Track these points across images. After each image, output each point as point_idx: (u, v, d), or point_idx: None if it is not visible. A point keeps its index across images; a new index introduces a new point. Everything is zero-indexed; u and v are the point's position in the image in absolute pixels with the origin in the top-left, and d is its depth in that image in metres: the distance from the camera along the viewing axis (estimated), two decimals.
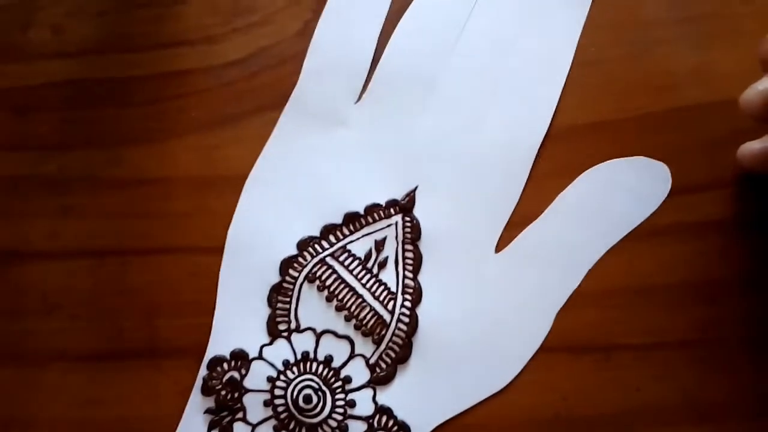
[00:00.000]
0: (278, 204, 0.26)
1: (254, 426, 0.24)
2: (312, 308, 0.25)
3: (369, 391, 0.24)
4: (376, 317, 0.25)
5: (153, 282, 0.26)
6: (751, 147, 0.24)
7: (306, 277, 0.25)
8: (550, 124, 0.26)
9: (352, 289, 0.25)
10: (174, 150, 0.27)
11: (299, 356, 0.25)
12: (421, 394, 0.24)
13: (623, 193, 0.25)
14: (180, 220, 0.26)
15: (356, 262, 0.26)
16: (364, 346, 0.25)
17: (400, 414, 0.24)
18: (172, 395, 0.25)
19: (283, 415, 0.24)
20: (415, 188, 0.26)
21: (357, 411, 0.24)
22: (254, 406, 0.24)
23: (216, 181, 0.27)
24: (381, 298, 0.25)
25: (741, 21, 0.27)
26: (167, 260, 0.26)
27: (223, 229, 0.26)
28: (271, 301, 0.25)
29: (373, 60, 0.27)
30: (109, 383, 0.25)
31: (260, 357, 0.25)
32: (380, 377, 0.24)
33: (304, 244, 0.26)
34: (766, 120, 0.21)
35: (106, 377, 0.25)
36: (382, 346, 0.25)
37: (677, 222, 0.25)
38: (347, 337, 0.25)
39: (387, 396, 0.24)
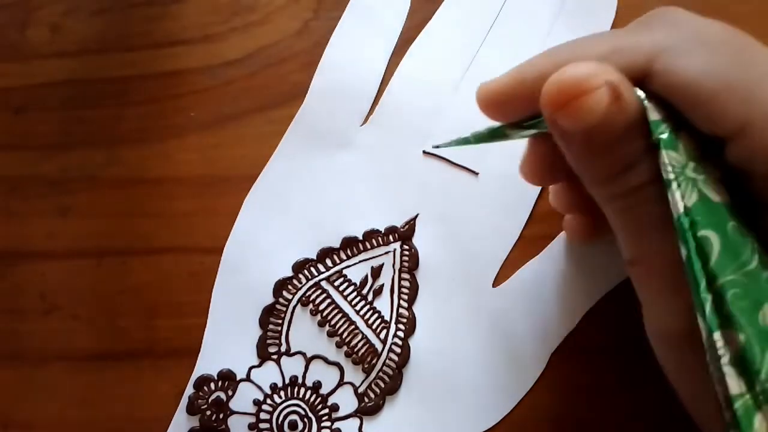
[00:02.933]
0: (276, 223, 0.26)
1: None
2: (303, 332, 0.25)
3: (356, 421, 0.24)
4: (367, 345, 0.25)
5: (152, 282, 0.26)
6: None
7: (299, 300, 0.25)
8: None
9: (345, 315, 0.25)
10: (173, 150, 0.27)
11: (287, 380, 0.24)
12: (408, 427, 0.24)
13: None
14: (180, 220, 0.26)
15: (351, 288, 0.25)
16: (353, 374, 0.25)
17: None
18: (170, 396, 0.25)
19: None
20: (416, 216, 0.26)
21: None
22: (239, 429, 0.24)
23: (215, 181, 0.27)
24: (374, 326, 0.25)
25: (740, 21, 0.27)
26: (167, 260, 0.26)
27: (223, 229, 0.26)
28: (263, 322, 0.25)
29: (381, 84, 0.27)
30: (107, 383, 0.25)
31: (248, 379, 0.25)
32: (368, 407, 0.24)
33: (299, 267, 0.26)
34: (498, 119, 0.20)
35: (104, 377, 0.25)
36: (372, 376, 0.24)
37: None
38: (337, 364, 0.25)
39: (373, 427, 0.24)
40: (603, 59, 0.16)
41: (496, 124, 0.20)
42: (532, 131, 0.19)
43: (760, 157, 0.15)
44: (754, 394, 0.14)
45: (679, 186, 0.15)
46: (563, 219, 0.25)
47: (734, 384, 0.14)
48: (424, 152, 0.26)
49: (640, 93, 0.16)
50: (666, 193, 0.15)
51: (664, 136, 0.15)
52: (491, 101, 0.19)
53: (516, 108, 0.18)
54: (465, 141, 0.22)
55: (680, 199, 0.15)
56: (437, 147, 0.24)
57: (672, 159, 0.15)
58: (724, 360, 0.14)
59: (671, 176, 0.15)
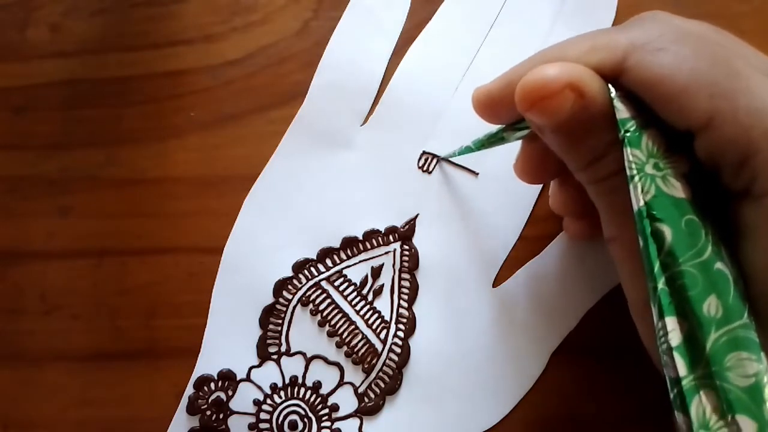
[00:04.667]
0: (276, 223, 0.26)
1: None
2: (303, 332, 0.25)
3: (356, 421, 0.24)
4: (367, 345, 0.25)
5: (152, 282, 0.26)
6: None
7: (300, 300, 0.25)
8: None
9: (345, 315, 0.25)
10: (173, 150, 0.27)
11: (287, 380, 0.24)
12: (408, 427, 0.24)
13: None
14: (179, 220, 0.26)
15: (351, 288, 0.25)
16: (353, 374, 0.25)
17: None
18: (170, 396, 0.25)
19: None
20: (416, 216, 0.26)
21: None
22: (239, 429, 0.24)
23: (215, 181, 0.27)
24: (374, 327, 0.25)
25: (740, 20, 0.27)
26: (166, 260, 0.26)
27: (223, 229, 0.26)
28: (263, 322, 0.25)
29: (381, 83, 0.27)
30: (107, 383, 0.25)
31: (248, 379, 0.25)
32: (368, 407, 0.24)
33: (299, 267, 0.26)
34: (493, 121, 0.21)
35: (104, 377, 0.25)
36: (372, 376, 0.24)
37: None
38: (337, 364, 0.25)
39: (373, 427, 0.24)
40: (579, 58, 0.17)
41: (493, 129, 0.21)
42: (525, 131, 0.20)
43: (727, 148, 0.16)
44: (696, 378, 0.15)
45: (640, 181, 0.16)
46: (563, 220, 0.25)
47: (681, 367, 0.15)
48: (424, 152, 0.26)
49: (612, 90, 0.17)
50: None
51: (629, 134, 0.16)
52: (484, 104, 0.20)
53: (507, 110, 0.20)
54: (467, 149, 0.23)
55: (640, 193, 0.16)
56: (442, 159, 0.26)
57: (635, 156, 0.16)
58: (672, 344, 0.15)
59: (634, 172, 0.16)
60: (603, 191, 0.18)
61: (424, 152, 0.26)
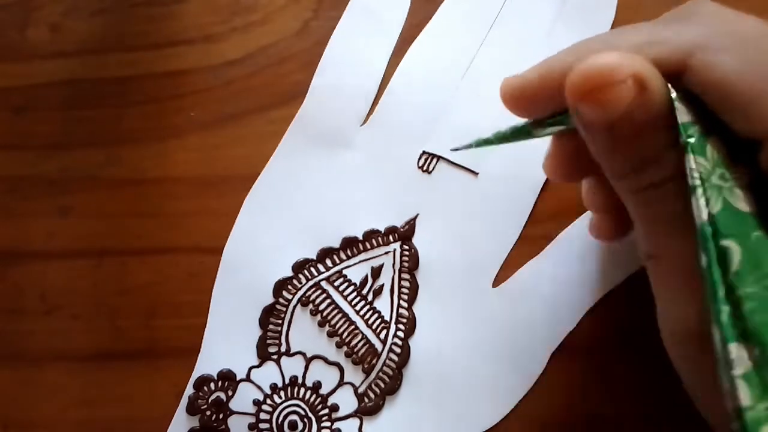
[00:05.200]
0: (276, 223, 0.26)
1: None
2: (303, 332, 0.25)
3: (356, 421, 0.24)
4: (367, 345, 0.25)
5: (152, 282, 0.26)
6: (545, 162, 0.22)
7: (299, 300, 0.25)
8: None
9: (345, 315, 0.25)
10: (173, 150, 0.27)
11: (287, 380, 0.24)
12: (408, 427, 0.24)
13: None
14: (180, 220, 0.26)
15: (351, 288, 0.25)
16: (353, 374, 0.25)
17: None
18: (170, 396, 0.25)
19: None
20: (416, 216, 0.26)
21: None
22: (239, 429, 0.24)
23: (216, 181, 0.27)
24: (374, 327, 0.25)
25: None
26: (166, 260, 0.26)
27: (223, 229, 0.26)
28: (263, 322, 0.25)
29: (381, 83, 0.27)
30: (107, 383, 0.25)
31: (248, 379, 0.25)
32: (368, 407, 0.24)
33: (299, 267, 0.26)
34: (522, 114, 0.19)
35: (104, 377, 0.25)
36: (372, 376, 0.24)
37: None
38: (337, 364, 0.25)
39: (373, 427, 0.24)
40: (636, 50, 0.16)
41: (519, 122, 0.19)
42: (558, 128, 0.18)
43: None
44: (766, 408, 0.14)
45: (705, 192, 0.15)
46: (591, 219, 0.24)
47: (745, 396, 0.14)
48: (424, 152, 0.26)
49: (672, 90, 0.15)
50: (688, 194, 0.15)
51: (692, 140, 0.15)
52: (516, 96, 0.18)
53: (542, 103, 0.18)
54: (487, 141, 0.21)
55: (704, 206, 0.15)
56: (456, 149, 0.23)
57: (699, 165, 0.15)
58: (737, 372, 0.14)
59: (697, 182, 0.15)
60: (646, 201, 0.16)
61: (424, 152, 0.26)
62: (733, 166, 0.15)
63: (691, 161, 0.15)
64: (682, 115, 0.15)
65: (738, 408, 0.14)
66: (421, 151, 0.26)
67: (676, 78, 0.15)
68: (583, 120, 0.16)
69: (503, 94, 0.19)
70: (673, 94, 0.15)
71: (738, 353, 0.14)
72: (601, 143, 0.16)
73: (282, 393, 0.24)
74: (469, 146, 0.22)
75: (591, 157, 0.17)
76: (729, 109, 0.15)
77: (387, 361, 0.25)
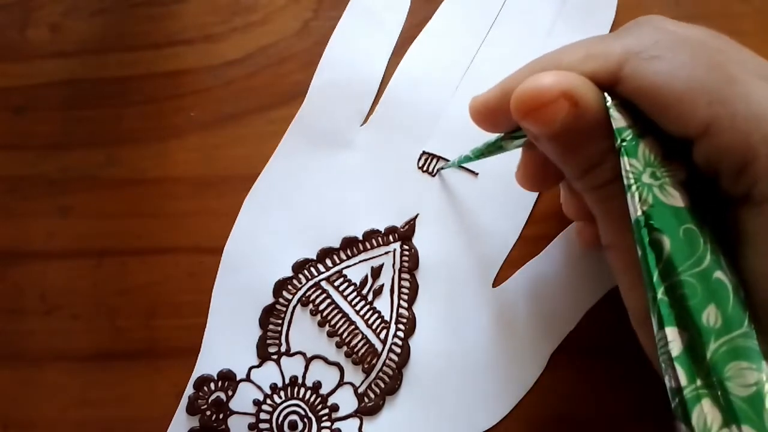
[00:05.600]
0: (276, 223, 0.26)
1: None
2: (303, 332, 0.25)
3: (355, 421, 0.24)
4: (367, 345, 0.25)
5: (152, 282, 0.26)
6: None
7: (299, 300, 0.25)
8: None
9: (345, 315, 0.25)
10: (173, 150, 0.27)
11: (287, 380, 0.24)
12: (408, 427, 0.24)
13: None
14: (179, 220, 0.26)
15: (351, 288, 0.25)
16: (353, 374, 0.25)
17: None
18: (170, 396, 0.25)
19: None
20: (416, 216, 0.26)
21: None
22: (239, 429, 0.24)
23: (215, 181, 0.27)
24: (374, 327, 0.25)
25: (740, 21, 0.27)
26: (166, 260, 0.26)
27: (223, 229, 0.26)
28: (263, 322, 0.25)
29: (381, 83, 0.27)
30: (107, 383, 0.25)
31: (248, 379, 0.25)
32: (368, 407, 0.24)
33: (299, 267, 0.26)
34: (490, 130, 0.21)
35: (104, 377, 0.25)
36: (372, 376, 0.24)
37: None
38: (337, 364, 0.25)
39: (373, 427, 0.24)
40: (574, 66, 0.17)
41: (491, 138, 0.21)
42: (523, 140, 0.20)
43: (726, 155, 0.15)
44: (697, 387, 0.15)
45: (637, 190, 0.16)
46: (575, 226, 0.25)
47: (681, 377, 0.15)
48: (424, 152, 0.26)
49: (608, 98, 0.17)
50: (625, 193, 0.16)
51: (625, 143, 0.16)
52: (481, 114, 0.20)
53: (504, 119, 0.19)
54: (467, 159, 0.23)
55: (637, 203, 0.16)
56: (442, 168, 0.26)
57: (632, 166, 0.16)
58: (672, 354, 0.15)
59: (631, 182, 0.16)
60: (599, 199, 0.18)
61: (424, 152, 0.26)
62: (669, 164, 0.16)
63: (625, 163, 0.16)
64: (617, 121, 0.16)
65: (674, 388, 0.15)
66: (421, 151, 0.26)
67: (611, 87, 0.17)
68: (530, 134, 0.18)
69: (471, 112, 0.21)
70: (609, 102, 0.17)
71: (673, 336, 0.15)
72: (551, 152, 0.18)
73: (282, 393, 0.24)
74: (453, 164, 0.25)
75: (556, 166, 0.19)
76: (659, 112, 0.16)
77: (387, 361, 0.25)
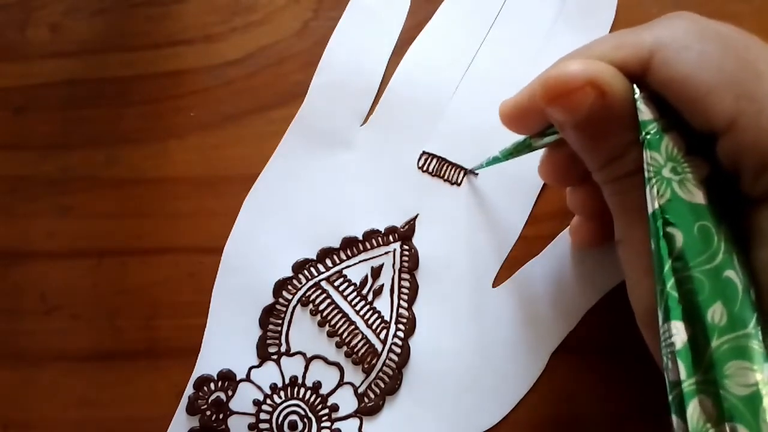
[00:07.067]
0: (276, 223, 0.26)
1: None
2: (303, 332, 0.25)
3: (355, 421, 0.24)
4: (367, 345, 0.25)
5: (152, 282, 0.26)
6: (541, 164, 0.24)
7: (299, 300, 0.25)
8: None
9: (345, 315, 0.25)
10: (173, 150, 0.27)
11: (287, 380, 0.24)
12: (408, 427, 0.24)
13: None
14: (179, 220, 0.26)
15: (351, 288, 0.25)
16: (353, 374, 0.25)
17: None
18: (170, 396, 0.25)
19: None
20: (416, 216, 0.26)
21: None
22: (239, 429, 0.24)
23: (215, 181, 0.27)
24: (374, 327, 0.25)
25: (740, 21, 0.27)
26: (166, 260, 0.26)
27: (223, 229, 0.26)
28: (263, 322, 0.25)
29: (381, 83, 0.27)
30: (107, 383, 0.25)
31: (248, 379, 0.25)
32: (368, 407, 0.24)
33: (299, 267, 0.26)
34: (521, 132, 0.21)
35: (104, 377, 0.25)
36: (372, 376, 0.24)
37: None
38: (337, 364, 0.25)
39: (373, 427, 0.24)
40: (604, 55, 0.17)
41: (519, 138, 0.22)
42: (553, 137, 0.20)
43: (748, 152, 0.15)
44: (695, 382, 0.15)
45: (656, 184, 0.16)
46: (570, 225, 0.25)
47: (681, 371, 0.15)
48: (424, 152, 0.26)
49: (636, 90, 0.17)
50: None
51: (649, 136, 0.16)
52: (512, 116, 0.20)
53: (534, 120, 0.20)
54: (495, 160, 0.24)
55: (655, 196, 0.16)
56: (470, 171, 0.26)
57: (653, 159, 0.16)
58: (675, 347, 0.15)
59: (651, 175, 0.16)
60: (617, 191, 0.18)
61: (424, 152, 0.26)
62: (692, 160, 0.16)
63: (647, 156, 0.16)
64: (643, 114, 0.16)
65: (673, 381, 0.15)
66: (421, 151, 0.26)
67: (640, 78, 0.17)
68: (555, 122, 0.18)
69: (501, 116, 0.21)
70: (636, 94, 0.17)
71: (677, 329, 0.15)
72: (574, 141, 0.18)
73: (282, 393, 0.24)
74: (481, 166, 0.25)
75: (582, 164, 0.19)
76: (686, 104, 0.16)
77: (387, 361, 0.25)
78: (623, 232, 0.18)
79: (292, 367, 0.25)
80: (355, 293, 0.25)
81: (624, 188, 0.18)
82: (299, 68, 0.28)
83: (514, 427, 0.24)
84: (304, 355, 0.25)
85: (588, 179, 0.21)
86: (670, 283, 0.16)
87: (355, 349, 0.25)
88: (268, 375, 0.25)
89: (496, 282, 0.25)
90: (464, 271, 0.25)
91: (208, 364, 0.25)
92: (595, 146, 0.18)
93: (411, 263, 0.25)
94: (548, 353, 0.24)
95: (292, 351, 0.25)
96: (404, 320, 0.25)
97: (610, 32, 0.27)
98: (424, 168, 0.26)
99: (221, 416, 0.24)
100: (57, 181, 0.27)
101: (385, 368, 0.25)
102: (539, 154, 0.23)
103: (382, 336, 0.25)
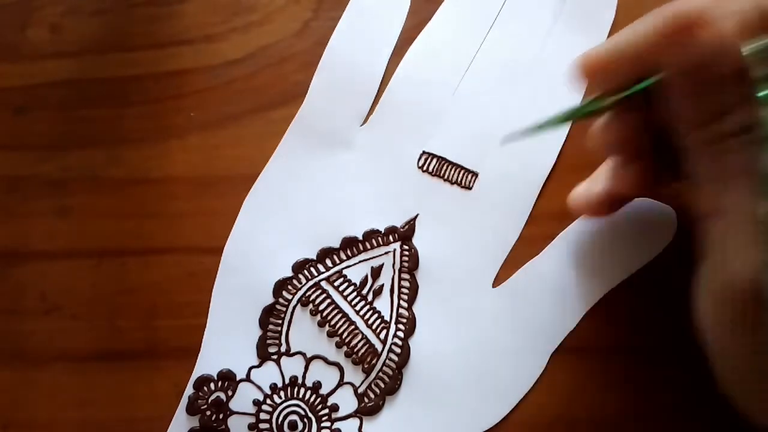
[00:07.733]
0: (276, 223, 0.26)
1: None
2: (303, 332, 0.25)
3: (355, 421, 0.24)
4: (367, 345, 0.25)
5: (152, 282, 0.26)
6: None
7: (299, 301, 0.25)
8: (563, 145, 0.26)
9: (345, 315, 0.25)
10: (173, 150, 0.27)
11: (287, 380, 0.24)
12: (408, 427, 0.24)
13: (626, 235, 0.25)
14: (179, 220, 0.26)
15: (351, 288, 0.25)
16: (353, 374, 0.25)
17: None
18: (170, 396, 0.25)
19: None
20: (416, 216, 0.26)
21: None
22: (239, 429, 0.24)
23: (215, 181, 0.27)
24: (374, 327, 0.25)
25: None
26: (166, 260, 0.26)
27: (223, 229, 0.26)
28: (263, 322, 0.25)
29: (381, 83, 0.27)
30: (107, 383, 0.25)
31: (248, 379, 0.25)
32: (368, 407, 0.24)
33: (299, 267, 0.26)
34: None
35: (104, 377, 0.25)
36: (372, 376, 0.24)
37: None
38: (337, 364, 0.25)
39: (373, 427, 0.24)
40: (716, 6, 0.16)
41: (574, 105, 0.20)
42: (628, 92, 0.19)
43: None
44: None
45: None
46: (576, 192, 0.24)
47: None
48: (424, 152, 0.26)
49: (753, 44, 0.16)
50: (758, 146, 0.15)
51: (765, 92, 0.15)
52: (591, 68, 0.19)
53: (612, 75, 0.19)
54: (547, 124, 0.21)
55: None
56: (509, 139, 0.23)
57: None
58: None
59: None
60: (714, 154, 0.17)
61: (424, 152, 0.27)
62: None
63: (764, 113, 0.15)
64: (757, 69, 0.16)
65: None
66: (421, 151, 0.27)
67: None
68: (666, 65, 0.17)
69: (580, 67, 0.19)
70: (748, 49, 0.16)
71: None
72: (678, 92, 0.17)
73: (282, 393, 0.24)
74: (530, 132, 0.22)
75: (642, 135, 0.18)
76: None
77: (387, 361, 0.25)
78: (717, 201, 0.17)
79: (292, 367, 0.25)
80: (355, 293, 0.25)
81: (722, 150, 0.16)
82: (299, 68, 0.28)
83: (514, 427, 0.24)
84: (304, 355, 0.25)
85: (646, 153, 0.20)
86: None
87: (355, 349, 0.25)
88: (268, 375, 0.25)
89: (496, 282, 0.25)
90: (464, 271, 0.25)
91: (208, 364, 0.25)
92: (699, 99, 0.16)
93: (411, 263, 0.25)
94: (548, 353, 0.24)
95: (292, 351, 0.25)
96: (404, 320, 0.25)
97: (610, 32, 0.27)
98: (424, 168, 0.26)
99: (221, 416, 0.24)
100: (57, 181, 0.27)
101: (385, 368, 0.25)
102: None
103: (382, 336, 0.25)
